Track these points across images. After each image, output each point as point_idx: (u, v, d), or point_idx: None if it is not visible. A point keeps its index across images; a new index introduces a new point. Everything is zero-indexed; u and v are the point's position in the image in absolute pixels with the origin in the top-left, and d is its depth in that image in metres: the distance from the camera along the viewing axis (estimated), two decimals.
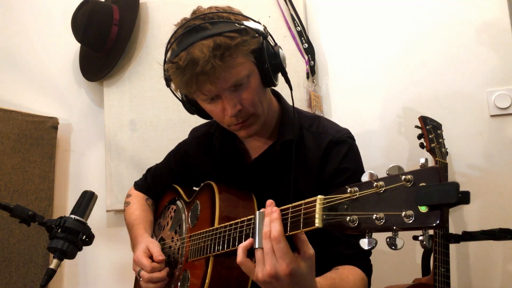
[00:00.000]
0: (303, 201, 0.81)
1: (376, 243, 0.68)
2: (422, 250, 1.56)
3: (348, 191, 0.70)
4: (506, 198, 1.69)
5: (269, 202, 0.89)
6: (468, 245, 1.71)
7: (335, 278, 1.01)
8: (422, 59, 1.83)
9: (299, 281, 0.82)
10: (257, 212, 0.88)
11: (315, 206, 0.77)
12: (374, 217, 0.65)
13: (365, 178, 0.70)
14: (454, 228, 1.71)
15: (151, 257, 1.21)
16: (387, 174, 0.66)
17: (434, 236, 1.44)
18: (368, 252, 1.14)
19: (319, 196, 0.77)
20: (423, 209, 0.60)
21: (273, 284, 0.82)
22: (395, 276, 1.67)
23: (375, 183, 0.67)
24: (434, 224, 0.59)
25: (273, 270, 0.80)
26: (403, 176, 0.63)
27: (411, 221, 0.61)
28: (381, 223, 0.65)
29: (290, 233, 0.82)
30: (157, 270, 1.19)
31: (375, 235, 0.68)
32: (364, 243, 0.68)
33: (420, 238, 0.62)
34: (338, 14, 1.95)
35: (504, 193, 1.70)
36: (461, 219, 1.73)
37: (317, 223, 0.75)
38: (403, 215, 0.62)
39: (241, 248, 0.88)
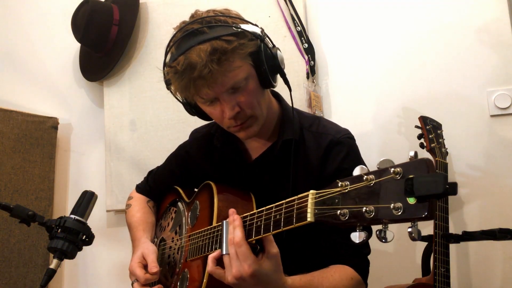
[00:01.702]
0: (296, 197, 0.82)
1: (367, 237, 0.68)
2: (422, 250, 1.56)
3: (339, 185, 0.71)
4: (506, 198, 1.69)
5: (231, 211, 0.96)
6: (468, 245, 1.71)
7: (316, 275, 1.03)
8: (422, 59, 1.83)
9: (264, 279, 0.90)
10: (224, 222, 0.95)
11: (307, 201, 0.78)
12: (364, 210, 0.66)
13: (356, 172, 0.71)
14: (454, 228, 1.71)
15: (146, 266, 1.21)
16: (378, 167, 0.67)
17: (434, 236, 1.44)
18: (364, 252, 1.15)
19: (311, 191, 0.78)
20: (411, 201, 0.60)
21: (241, 285, 0.90)
22: (395, 276, 1.67)
23: (365, 177, 0.67)
24: (422, 216, 0.59)
25: (237, 272, 0.88)
26: (392, 169, 0.63)
27: (400, 213, 0.61)
28: (371, 216, 0.65)
29: (284, 229, 0.84)
30: (150, 281, 1.19)
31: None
32: (355, 236, 0.69)
33: (409, 229, 0.62)
34: (338, 14, 1.95)
35: (504, 193, 1.69)
36: (461, 219, 1.73)
37: (309, 217, 0.76)
38: (391, 207, 0.62)
39: (211, 258, 0.96)
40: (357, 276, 1.10)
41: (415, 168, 0.61)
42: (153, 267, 1.18)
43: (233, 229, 0.92)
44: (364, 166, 0.70)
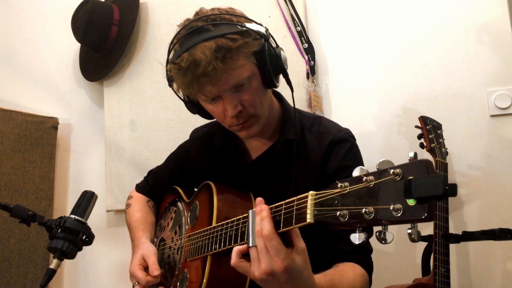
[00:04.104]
0: (295, 197, 0.81)
1: (366, 238, 0.68)
2: (422, 250, 1.56)
3: (339, 186, 0.71)
4: (506, 198, 1.69)
5: (258, 200, 0.89)
6: (468, 245, 1.71)
7: (334, 274, 1.02)
8: (422, 59, 1.83)
9: (296, 276, 0.82)
10: (250, 211, 0.88)
11: (307, 202, 0.77)
12: (363, 212, 0.65)
13: (356, 173, 0.70)
14: (454, 228, 1.71)
15: (147, 267, 1.21)
16: (377, 168, 0.67)
17: (434, 236, 1.44)
18: (368, 249, 1.15)
19: (310, 192, 0.78)
20: (411, 202, 0.60)
21: (270, 281, 0.82)
22: (395, 276, 1.67)
23: (365, 178, 0.67)
24: (422, 217, 0.59)
25: (268, 267, 0.80)
26: (392, 170, 0.63)
27: (399, 215, 0.61)
28: (370, 217, 0.65)
29: (283, 229, 0.82)
30: (151, 284, 1.18)
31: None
32: (355, 238, 0.68)
33: (409, 231, 0.62)
34: (338, 14, 1.95)
35: (504, 193, 1.70)
36: (461, 219, 1.73)
37: (309, 218, 0.76)
38: (391, 208, 0.62)
39: (236, 251, 0.88)
40: (365, 272, 1.10)
41: (414, 169, 0.61)
42: (154, 269, 1.18)
43: (260, 220, 0.84)
44: (363, 167, 0.70)
